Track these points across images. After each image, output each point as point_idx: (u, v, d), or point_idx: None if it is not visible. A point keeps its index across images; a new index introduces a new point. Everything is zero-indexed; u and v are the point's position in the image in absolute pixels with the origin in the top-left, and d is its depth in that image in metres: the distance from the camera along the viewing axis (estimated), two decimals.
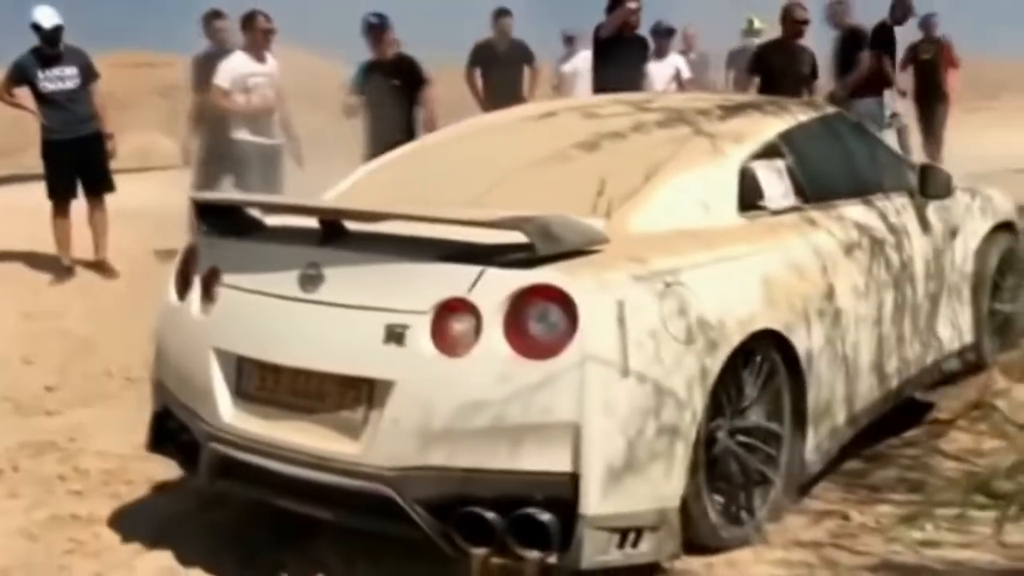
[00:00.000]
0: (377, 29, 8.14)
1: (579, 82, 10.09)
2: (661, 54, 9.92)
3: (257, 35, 7.95)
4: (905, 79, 10.63)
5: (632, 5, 7.94)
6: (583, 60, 10.31)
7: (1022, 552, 2.95)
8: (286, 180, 8.00)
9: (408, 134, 7.74)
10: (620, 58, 7.89)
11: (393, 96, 7.98)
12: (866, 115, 8.11)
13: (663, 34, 10.08)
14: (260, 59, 7.95)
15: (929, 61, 10.69)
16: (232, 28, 8.41)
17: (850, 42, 9.35)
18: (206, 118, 8.28)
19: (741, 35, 11.06)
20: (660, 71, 9.67)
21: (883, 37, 9.71)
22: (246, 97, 7.87)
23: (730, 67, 10.86)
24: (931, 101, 10.61)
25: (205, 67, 8.30)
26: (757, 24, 10.74)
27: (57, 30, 7.74)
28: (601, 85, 7.78)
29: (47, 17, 7.72)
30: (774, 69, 8.56)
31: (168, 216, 8.03)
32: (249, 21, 7.98)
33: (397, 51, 8.35)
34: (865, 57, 9.25)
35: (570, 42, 10.76)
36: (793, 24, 8.65)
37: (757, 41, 10.46)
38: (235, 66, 7.89)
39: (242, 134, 7.86)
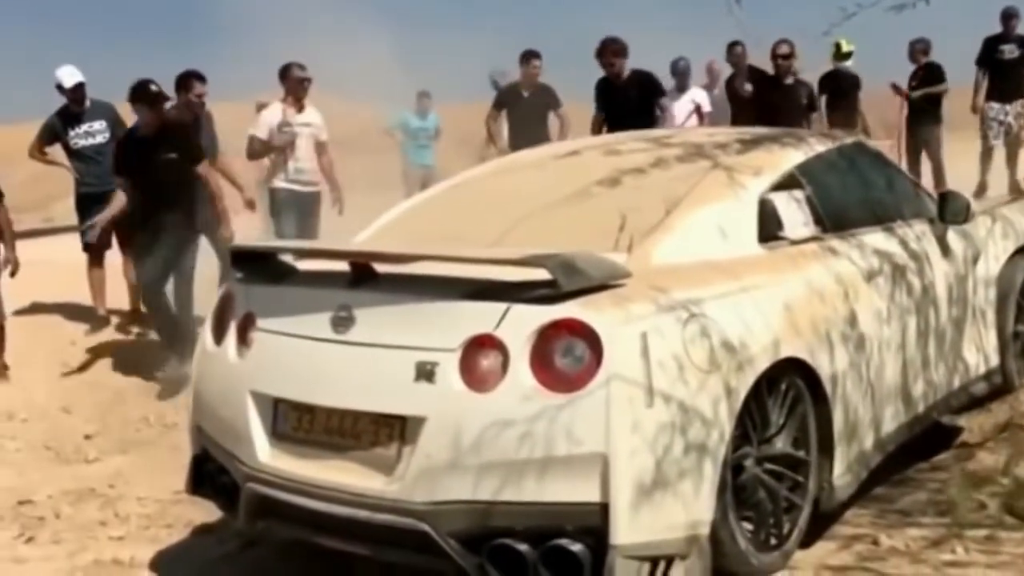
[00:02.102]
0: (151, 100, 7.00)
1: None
2: (681, 90, 10.07)
3: (292, 84, 8.08)
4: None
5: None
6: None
7: None
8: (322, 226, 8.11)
9: (190, 209, 7.03)
10: (619, 102, 8.09)
11: (167, 170, 6.94)
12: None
13: (681, 71, 10.22)
14: (299, 109, 8.08)
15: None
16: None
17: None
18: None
19: (831, 59, 10.90)
20: (679, 107, 9.82)
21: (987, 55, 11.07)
22: (280, 147, 8.00)
23: (822, 92, 10.72)
24: (924, 126, 11.03)
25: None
26: (845, 47, 10.65)
27: (79, 88, 7.91)
28: (610, 127, 7.97)
29: (69, 76, 7.90)
30: (771, 105, 8.91)
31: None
32: (286, 72, 8.11)
33: (163, 119, 7.12)
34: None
35: (496, 86, 10.77)
36: (774, 59, 9.34)
37: (849, 64, 10.63)
38: (271, 118, 8.05)
39: (278, 182, 8.02)
